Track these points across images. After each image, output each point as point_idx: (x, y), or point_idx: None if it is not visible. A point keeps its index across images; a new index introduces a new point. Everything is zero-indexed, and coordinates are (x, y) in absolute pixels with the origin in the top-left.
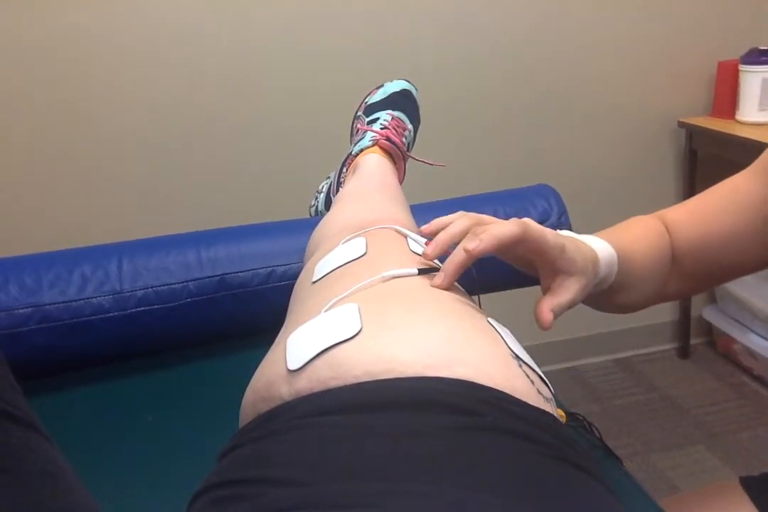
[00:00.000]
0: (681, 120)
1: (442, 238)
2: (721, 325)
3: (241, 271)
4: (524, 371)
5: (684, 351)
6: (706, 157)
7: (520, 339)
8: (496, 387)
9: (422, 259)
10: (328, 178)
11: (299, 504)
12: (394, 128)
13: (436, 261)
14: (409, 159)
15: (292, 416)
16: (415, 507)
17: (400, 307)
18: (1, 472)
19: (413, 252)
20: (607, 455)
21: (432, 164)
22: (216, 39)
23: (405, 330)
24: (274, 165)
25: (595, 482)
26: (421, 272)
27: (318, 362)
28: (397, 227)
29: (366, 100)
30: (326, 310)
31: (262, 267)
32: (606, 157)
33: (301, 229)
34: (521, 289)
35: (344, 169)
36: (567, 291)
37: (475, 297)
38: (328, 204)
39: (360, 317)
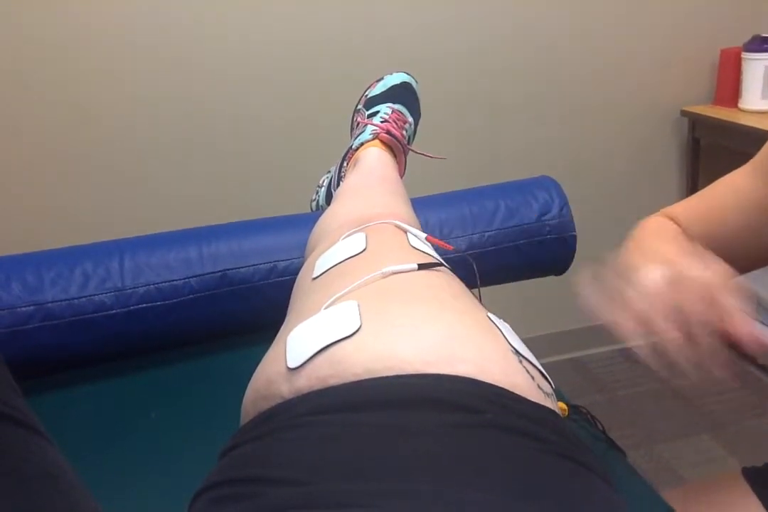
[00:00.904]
0: (684, 109)
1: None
2: None
3: (242, 267)
4: (524, 367)
5: None
6: (709, 146)
7: (522, 330)
8: (497, 384)
9: (422, 254)
10: (329, 172)
11: (299, 504)
12: (394, 121)
13: (436, 255)
14: (410, 152)
15: (292, 414)
16: (415, 507)
17: (399, 304)
18: (0, 475)
19: (413, 247)
20: (610, 447)
21: (433, 157)
22: (216, 35)
23: (405, 328)
24: (274, 160)
25: (597, 478)
26: (421, 267)
27: (318, 360)
28: (397, 222)
29: (366, 93)
30: (326, 308)
31: (264, 263)
32: (608, 146)
33: (302, 224)
34: (521, 282)
35: (345, 163)
36: None
37: (476, 291)
38: (329, 198)
39: (359, 314)
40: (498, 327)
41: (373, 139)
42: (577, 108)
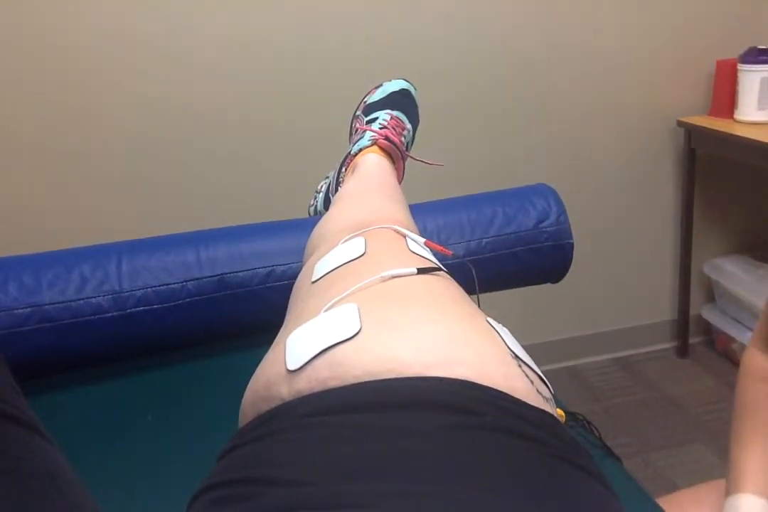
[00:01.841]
0: (680, 119)
1: None
2: (720, 324)
3: (240, 271)
4: (524, 371)
5: (683, 350)
6: (705, 156)
7: (519, 338)
8: (496, 387)
9: (421, 259)
10: (327, 177)
11: (299, 504)
12: (393, 128)
13: (435, 260)
14: (408, 158)
15: (292, 416)
16: (415, 508)
17: (399, 307)
18: (0, 474)
19: (412, 251)
20: (606, 454)
21: (431, 164)
22: (217, 38)
23: (404, 330)
24: (272, 164)
25: (595, 482)
26: (420, 271)
27: (317, 362)
28: (396, 227)
29: (365, 99)
30: (326, 310)
31: (262, 267)
32: (605, 156)
33: (301, 229)
34: (520, 289)
35: (343, 169)
36: None
37: (475, 297)
38: (327, 203)
39: (359, 317)
40: (497, 332)
41: (372, 145)
42: (574, 117)
